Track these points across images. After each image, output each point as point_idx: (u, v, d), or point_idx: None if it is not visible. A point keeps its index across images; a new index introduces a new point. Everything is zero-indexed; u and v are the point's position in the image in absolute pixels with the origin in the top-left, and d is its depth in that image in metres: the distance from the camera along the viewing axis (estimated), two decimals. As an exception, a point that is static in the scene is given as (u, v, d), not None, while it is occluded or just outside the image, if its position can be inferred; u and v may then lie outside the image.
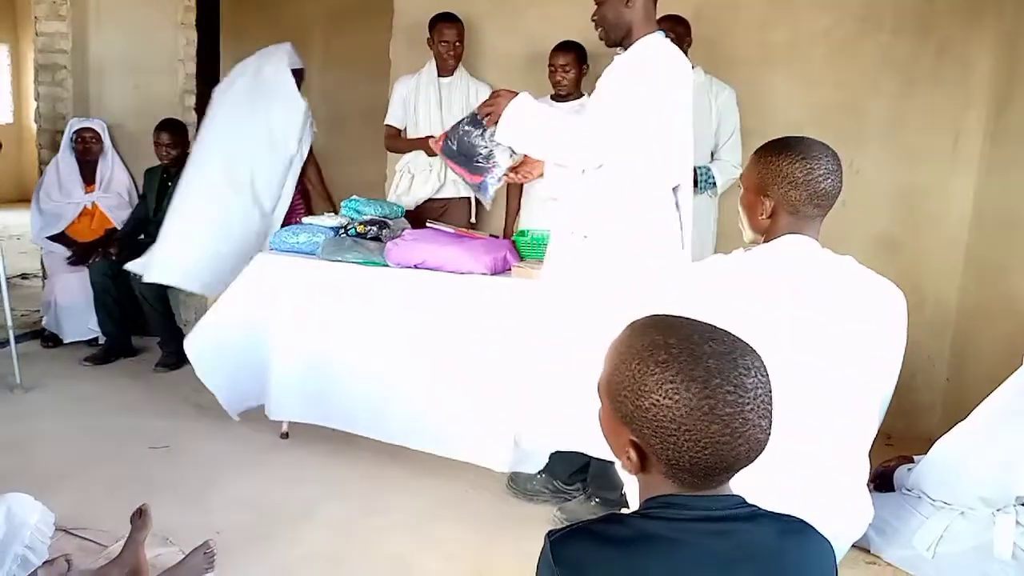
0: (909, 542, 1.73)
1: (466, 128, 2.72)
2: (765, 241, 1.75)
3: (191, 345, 3.37)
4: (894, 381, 1.71)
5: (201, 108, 4.95)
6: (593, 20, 2.56)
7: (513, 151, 2.70)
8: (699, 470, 0.94)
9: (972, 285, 3.59)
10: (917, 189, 3.74)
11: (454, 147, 2.74)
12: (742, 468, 0.95)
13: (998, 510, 1.63)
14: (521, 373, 2.84)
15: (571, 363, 2.44)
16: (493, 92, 2.67)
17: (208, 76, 5.52)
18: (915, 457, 1.86)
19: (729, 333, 0.97)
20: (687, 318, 1.00)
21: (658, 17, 2.64)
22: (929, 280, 3.72)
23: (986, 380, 3.09)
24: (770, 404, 0.94)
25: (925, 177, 3.72)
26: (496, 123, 2.55)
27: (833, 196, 1.69)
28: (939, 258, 3.72)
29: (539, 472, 2.96)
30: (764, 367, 0.95)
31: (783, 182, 1.67)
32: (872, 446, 1.72)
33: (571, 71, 3.62)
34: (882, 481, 1.92)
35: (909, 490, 1.82)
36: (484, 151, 2.70)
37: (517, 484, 3.00)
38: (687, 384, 0.91)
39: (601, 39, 2.59)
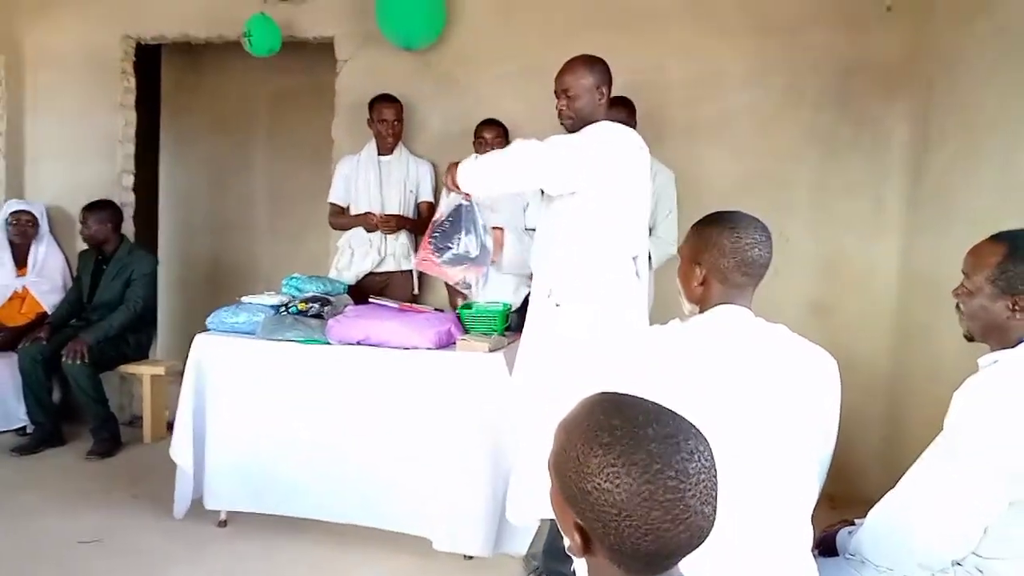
0: (856, 608, 1.73)
1: (444, 231, 2.77)
2: (701, 311, 1.79)
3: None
4: (832, 445, 1.74)
5: (139, 189, 4.92)
6: (560, 111, 2.70)
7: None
8: (641, 556, 0.92)
9: (901, 347, 3.71)
10: (843, 255, 3.89)
11: (451, 253, 2.77)
12: (686, 554, 0.94)
13: (938, 573, 1.65)
14: (471, 447, 2.83)
15: (547, 431, 2.44)
16: (447, 168, 2.78)
17: (147, 156, 5.51)
18: (856, 520, 1.88)
19: (675, 415, 0.97)
20: (635, 397, 0.99)
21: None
22: (860, 343, 3.84)
23: (920, 439, 3.15)
24: (714, 489, 0.93)
25: (851, 242, 3.87)
26: (458, 188, 2.71)
27: (761, 265, 1.74)
28: (868, 321, 3.84)
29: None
30: (709, 451, 0.95)
31: (713, 250, 1.73)
32: (816, 510, 1.74)
33: (498, 142, 3.76)
34: (826, 546, 1.92)
35: (852, 555, 1.83)
36: (475, 239, 2.77)
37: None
38: (628, 468, 0.90)
39: (564, 126, 2.72)
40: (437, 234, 2.80)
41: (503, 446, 2.86)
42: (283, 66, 4.99)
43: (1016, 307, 1.60)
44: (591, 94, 2.66)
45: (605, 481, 0.91)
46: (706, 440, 0.96)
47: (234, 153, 6.35)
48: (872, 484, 3.69)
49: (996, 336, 1.66)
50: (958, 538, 1.58)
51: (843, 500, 3.44)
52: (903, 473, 1.93)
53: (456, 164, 2.72)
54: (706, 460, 0.93)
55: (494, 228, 2.87)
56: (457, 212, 2.79)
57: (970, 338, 1.74)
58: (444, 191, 2.85)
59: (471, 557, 2.93)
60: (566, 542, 1.03)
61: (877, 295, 3.83)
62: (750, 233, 1.74)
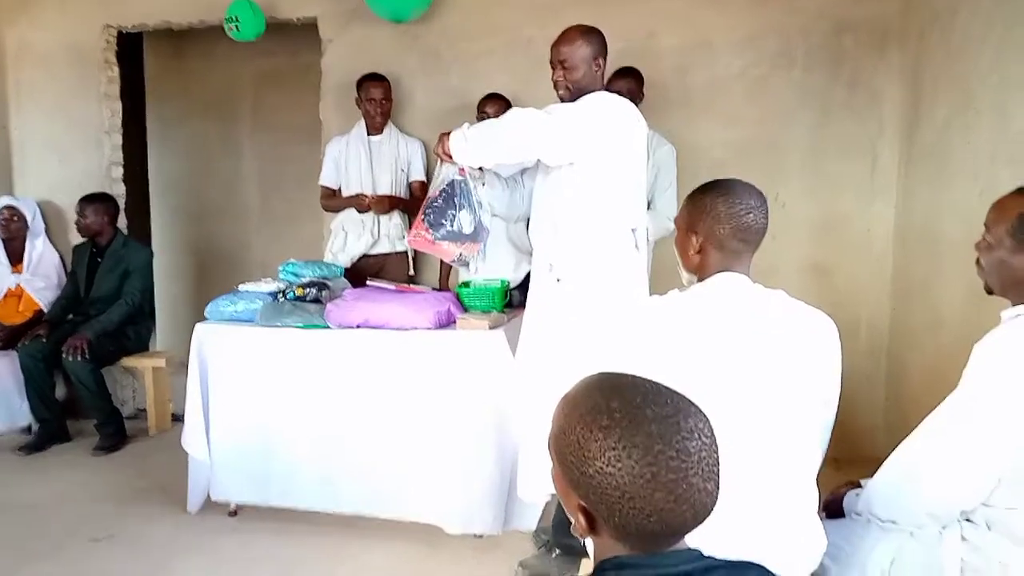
0: (864, 567, 1.74)
1: (439, 208, 2.74)
2: (699, 280, 1.78)
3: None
4: (834, 408, 1.74)
5: (128, 179, 4.88)
6: (557, 82, 2.66)
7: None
8: (647, 535, 0.93)
9: (901, 305, 3.71)
10: (840, 216, 3.87)
11: (445, 229, 2.74)
12: (690, 531, 0.94)
13: (944, 527, 1.66)
14: (476, 426, 2.84)
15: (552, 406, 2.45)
16: (438, 138, 2.73)
17: (135, 146, 5.46)
18: (862, 481, 1.88)
19: (674, 393, 0.97)
20: (633, 377, 0.99)
21: (614, 71, 2.74)
22: (860, 304, 3.84)
23: (922, 397, 3.19)
24: (716, 465, 0.94)
25: (847, 203, 3.86)
26: (450, 159, 2.66)
27: (757, 231, 1.73)
28: (868, 282, 3.84)
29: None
30: (708, 427, 0.95)
31: (708, 218, 1.72)
32: (821, 473, 1.75)
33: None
34: (832, 508, 1.93)
35: (859, 514, 1.84)
36: (470, 215, 2.74)
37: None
38: (629, 451, 0.90)
39: (560, 97, 2.68)
40: (431, 210, 2.77)
41: (508, 423, 2.87)
42: (267, 48, 4.94)
43: None
44: (588, 65, 2.63)
45: (607, 464, 0.91)
46: (705, 416, 0.95)
47: (221, 138, 6.31)
48: (877, 445, 3.73)
49: (1016, 290, 1.65)
50: (970, 486, 1.58)
51: (848, 462, 3.45)
52: (907, 432, 1.94)
53: (447, 133, 2.67)
54: (706, 437, 0.93)
55: (478, 169, 2.79)
56: (451, 188, 2.77)
57: (990, 291, 1.73)
58: (437, 164, 2.81)
59: (481, 536, 2.95)
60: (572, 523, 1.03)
61: (875, 255, 3.83)
62: (744, 199, 1.73)
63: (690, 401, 0.97)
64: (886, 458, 1.77)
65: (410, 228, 2.84)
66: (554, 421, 1.00)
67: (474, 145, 2.62)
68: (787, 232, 3.78)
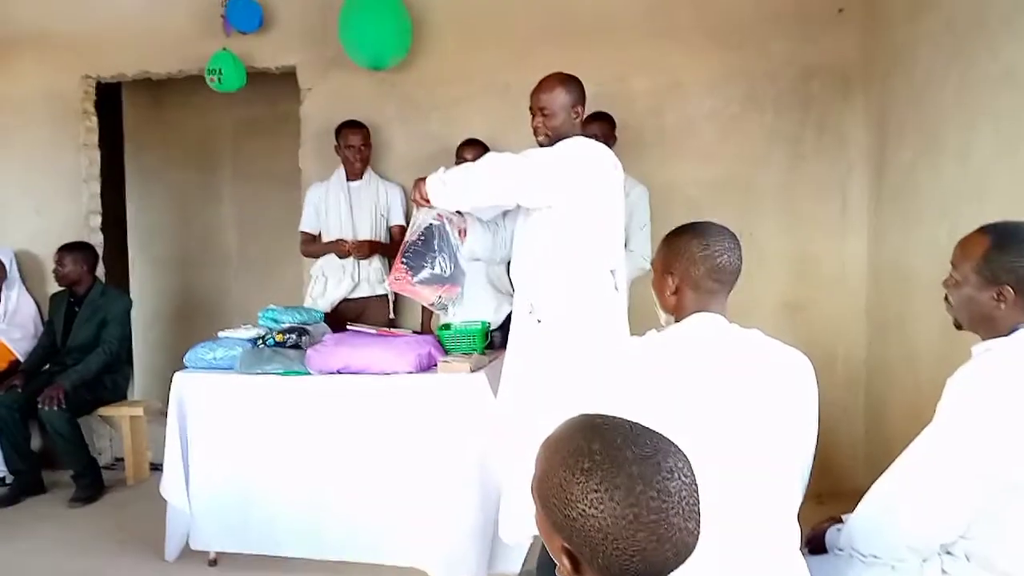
0: (847, 603, 1.75)
1: (417, 251, 2.76)
2: (676, 320, 1.81)
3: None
4: (812, 444, 1.76)
5: (107, 228, 4.88)
6: (536, 128, 2.71)
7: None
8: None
9: (876, 341, 3.76)
10: (814, 254, 3.95)
11: (425, 272, 2.76)
12: (673, 570, 0.95)
13: (925, 561, 1.68)
14: (459, 470, 2.83)
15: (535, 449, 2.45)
16: (414, 184, 2.76)
17: (114, 194, 5.47)
18: (844, 517, 1.90)
19: (654, 434, 0.98)
20: (614, 418, 1.00)
21: (587, 115, 2.81)
22: (837, 339, 3.90)
23: (901, 430, 3.22)
24: (696, 504, 0.95)
25: (820, 242, 3.93)
26: (428, 204, 2.69)
27: (731, 271, 1.77)
28: (843, 318, 3.90)
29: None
30: (688, 466, 0.96)
31: (683, 260, 1.76)
32: (803, 508, 1.77)
33: None
34: (815, 544, 1.94)
35: (841, 550, 1.85)
36: (448, 258, 2.76)
37: None
38: (611, 493, 0.91)
39: (539, 143, 2.73)
40: (410, 253, 2.78)
41: (491, 465, 2.86)
42: (246, 97, 4.98)
43: (1001, 296, 1.63)
44: (567, 112, 2.69)
45: (589, 507, 0.92)
46: (684, 456, 0.97)
47: (201, 186, 6.33)
48: (857, 478, 3.75)
49: (985, 325, 1.69)
50: (948, 519, 1.60)
51: (830, 496, 3.46)
52: (887, 465, 1.96)
53: (423, 179, 2.70)
54: (686, 476, 0.95)
55: (456, 213, 2.82)
56: (429, 231, 2.79)
57: (959, 327, 1.77)
58: (415, 209, 2.84)
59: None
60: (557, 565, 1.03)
61: (849, 291, 3.90)
62: (719, 241, 1.77)
63: (670, 441, 0.98)
64: (866, 490, 1.79)
65: (390, 272, 2.86)
66: (536, 465, 1.01)
67: (452, 189, 2.65)
68: (762, 270, 3.84)
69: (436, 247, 2.78)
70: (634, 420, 1.02)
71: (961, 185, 2.80)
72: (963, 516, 1.59)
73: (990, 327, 1.68)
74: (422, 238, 2.79)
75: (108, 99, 5.25)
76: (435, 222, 2.79)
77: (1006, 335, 1.65)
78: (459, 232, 2.83)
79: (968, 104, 2.76)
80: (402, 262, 2.76)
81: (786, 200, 3.96)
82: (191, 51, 4.36)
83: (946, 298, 1.76)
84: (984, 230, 1.70)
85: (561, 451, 0.97)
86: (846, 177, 3.89)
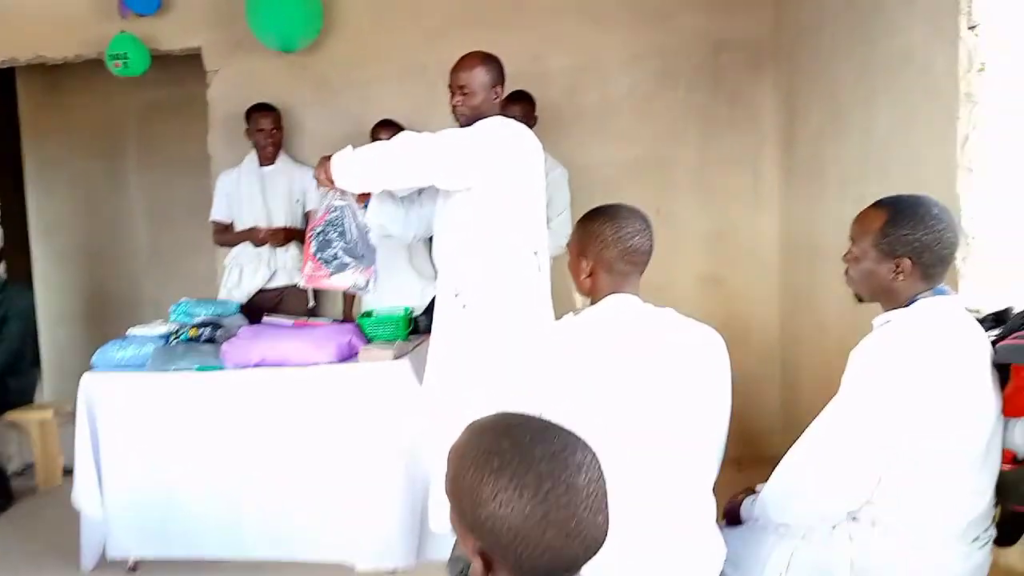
0: (763, 572, 1.81)
1: (327, 239, 2.68)
2: (592, 303, 1.83)
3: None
4: (727, 419, 1.81)
5: (6, 220, 4.63)
6: (455, 106, 2.67)
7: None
8: (541, 573, 0.94)
9: (788, 311, 3.89)
10: (729, 228, 4.04)
11: (337, 261, 2.68)
12: (583, 565, 0.96)
13: (833, 528, 1.74)
14: (385, 460, 2.81)
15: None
16: (318, 162, 2.67)
17: (12, 186, 5.19)
18: (757, 488, 1.96)
19: (561, 430, 0.99)
20: (521, 416, 1.01)
21: (506, 95, 2.78)
22: (752, 310, 4.01)
23: (814, 397, 3.33)
24: (605, 498, 0.96)
25: (734, 216, 4.02)
26: (331, 185, 2.60)
27: (643, 252, 1.80)
28: (757, 289, 4.01)
29: None
30: (595, 460, 0.97)
31: (596, 242, 1.78)
32: (722, 475, 1.82)
33: None
34: (731, 516, 2.00)
35: (756, 520, 1.91)
36: (359, 241, 2.68)
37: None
38: (520, 491, 0.92)
39: (458, 123, 2.69)
40: (319, 243, 2.70)
41: (418, 454, 2.85)
42: (149, 79, 4.76)
43: (899, 269, 1.69)
44: (486, 91, 2.66)
45: (499, 507, 0.92)
46: (591, 449, 0.98)
47: (105, 173, 6.04)
48: (775, 444, 3.87)
49: (885, 297, 1.75)
50: (852, 486, 1.67)
51: (748, 462, 3.57)
52: (802, 431, 2.03)
53: (328, 157, 2.60)
54: (593, 471, 0.96)
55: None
56: (335, 215, 2.70)
57: (860, 299, 1.83)
58: (319, 190, 2.74)
59: (395, 571, 2.90)
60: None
61: (763, 263, 4.00)
62: (630, 223, 1.79)
63: (577, 436, 0.99)
64: (783, 457, 1.85)
65: (302, 266, 2.77)
66: (448, 466, 1.01)
67: (361, 169, 2.57)
68: (680, 245, 3.92)
69: (344, 230, 2.69)
70: (543, 416, 1.03)
71: (863, 160, 2.90)
72: (866, 484, 1.65)
73: (890, 299, 1.74)
74: (329, 224, 2.70)
75: (1, 86, 4.97)
76: (339, 202, 2.70)
77: (905, 306, 1.71)
78: (357, 200, 2.75)
79: (869, 81, 2.84)
80: (313, 254, 2.68)
81: (701, 176, 4.03)
82: (88, 34, 4.15)
83: (846, 272, 1.82)
84: (880, 204, 1.75)
85: (471, 452, 0.97)
86: (758, 151, 3.98)
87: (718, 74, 3.98)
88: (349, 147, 2.61)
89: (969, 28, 2.11)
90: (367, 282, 2.79)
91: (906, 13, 2.53)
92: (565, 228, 3.57)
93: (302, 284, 2.80)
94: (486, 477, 0.94)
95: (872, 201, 1.79)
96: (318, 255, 2.70)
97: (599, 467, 0.97)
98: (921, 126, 2.44)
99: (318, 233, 2.71)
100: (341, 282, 2.76)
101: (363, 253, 2.73)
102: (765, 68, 3.95)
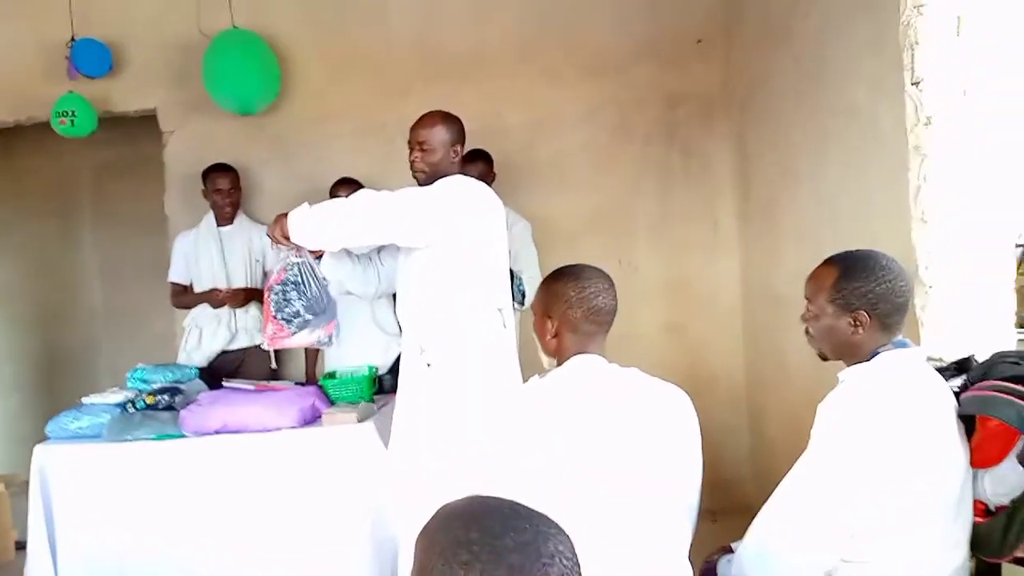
0: (741, 636, 1.78)
1: (286, 298, 2.63)
2: (558, 364, 1.82)
3: None
4: (699, 479, 1.80)
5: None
6: (414, 162, 2.66)
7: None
8: None
9: (754, 358, 3.92)
10: (690, 277, 4.09)
11: (299, 320, 2.63)
12: None
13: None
14: (351, 526, 2.76)
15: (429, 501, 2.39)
16: (274, 220, 2.62)
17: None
18: (733, 545, 1.94)
19: (533, 515, 0.96)
20: (490, 501, 0.98)
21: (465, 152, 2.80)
22: (717, 358, 4.03)
23: (783, 443, 3.35)
24: None
25: (695, 265, 4.08)
26: (287, 242, 2.55)
27: (607, 312, 1.80)
28: (721, 337, 4.05)
29: None
30: (569, 546, 0.95)
31: (561, 303, 1.78)
32: (696, 529, 1.80)
33: None
34: (708, 578, 1.97)
35: (733, 580, 1.89)
36: (319, 295, 2.64)
37: None
38: None
39: (417, 179, 2.68)
40: (278, 303, 2.65)
41: (384, 519, 2.78)
42: (103, 139, 4.71)
43: (857, 323, 1.71)
44: (446, 149, 2.66)
45: None
46: (566, 536, 0.95)
47: (59, 235, 5.93)
48: (747, 493, 3.88)
49: (848, 353, 1.76)
50: (825, 544, 1.66)
51: (723, 513, 3.56)
52: (773, 479, 2.03)
53: (284, 215, 2.56)
54: (567, 559, 0.93)
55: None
56: (293, 272, 2.66)
57: (824, 358, 1.84)
58: (273, 248, 2.70)
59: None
60: None
61: (726, 312, 4.05)
62: (594, 283, 1.80)
63: (551, 521, 0.96)
64: (756, 506, 1.84)
65: (263, 328, 2.72)
66: (415, 556, 0.98)
67: (318, 227, 2.52)
68: (641, 296, 3.94)
69: (303, 287, 2.65)
70: (515, 497, 1.01)
71: (817, 210, 2.96)
72: (839, 540, 1.64)
73: (852, 353, 1.76)
74: (288, 281, 2.66)
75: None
76: (296, 259, 2.66)
77: (867, 360, 1.73)
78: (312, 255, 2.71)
79: (818, 134, 2.92)
80: (274, 316, 2.63)
81: (660, 226, 4.08)
82: (38, 97, 4.08)
83: (807, 331, 1.83)
84: (831, 261, 1.78)
85: (439, 543, 0.94)
86: (715, 202, 4.06)
87: (673, 127, 4.06)
88: (306, 204, 2.57)
89: (913, 84, 2.18)
90: (330, 337, 2.75)
91: (851, 70, 2.61)
92: (539, 278, 3.57)
93: (265, 346, 2.74)
94: (455, 570, 0.90)
95: (827, 252, 1.82)
96: (278, 315, 2.65)
97: (573, 553, 0.94)
98: (872, 178, 2.51)
99: (276, 292, 2.67)
100: (304, 340, 2.71)
101: (324, 308, 2.69)
102: (718, 120, 4.04)
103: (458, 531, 0.93)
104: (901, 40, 2.21)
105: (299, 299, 2.64)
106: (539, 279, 3.51)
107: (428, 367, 2.63)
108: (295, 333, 2.67)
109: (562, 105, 4.08)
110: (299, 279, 2.64)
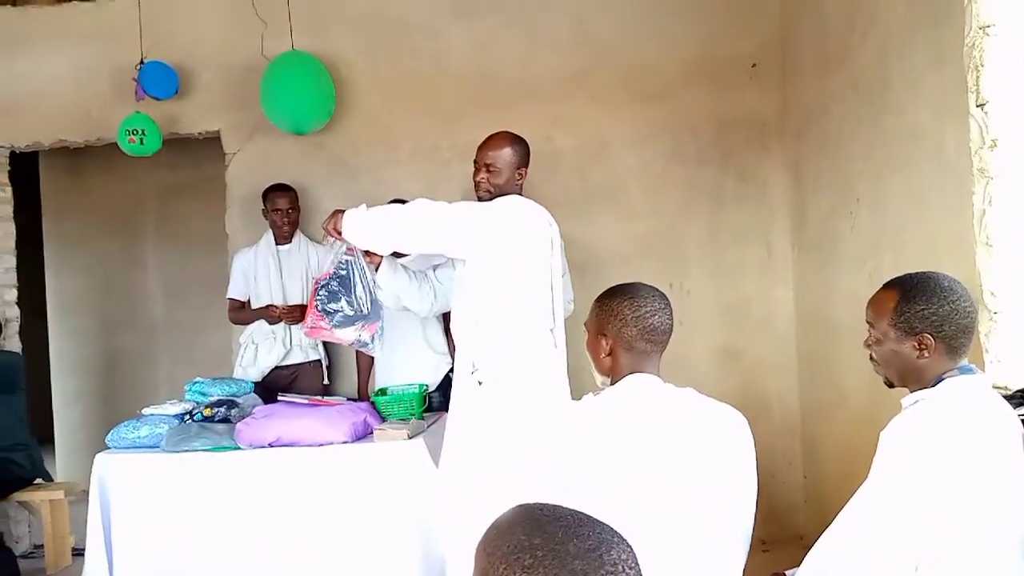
0: (795, 661, 1.74)
1: (332, 291, 2.68)
2: (612, 383, 1.81)
3: None
4: (753, 503, 1.76)
5: (24, 302, 4.67)
6: (479, 183, 2.71)
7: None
8: None
9: (808, 384, 3.84)
10: (743, 300, 4.04)
11: (340, 315, 2.67)
12: None
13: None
14: (400, 542, 2.77)
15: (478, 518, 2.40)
16: (330, 214, 2.68)
17: (31, 266, 5.26)
18: (787, 573, 1.90)
19: (596, 524, 0.95)
20: (555, 508, 0.98)
21: None
22: (771, 384, 3.97)
23: (839, 473, 3.28)
24: None
25: (748, 289, 4.03)
26: (339, 236, 2.60)
27: (663, 331, 1.79)
28: (776, 362, 3.98)
29: None
30: (632, 557, 0.94)
31: (616, 321, 1.77)
32: (748, 560, 1.76)
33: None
34: (761, 605, 1.93)
35: (788, 608, 1.84)
36: (365, 295, 2.68)
37: None
38: None
39: (481, 199, 2.72)
40: (323, 295, 2.69)
41: (434, 535, 2.79)
42: (168, 161, 4.90)
43: (923, 345, 1.67)
44: (512, 171, 2.70)
45: None
46: (629, 547, 0.95)
47: (123, 252, 6.14)
48: (799, 523, 3.80)
49: (913, 378, 1.72)
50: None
51: (774, 542, 3.49)
52: (827, 509, 1.98)
53: (342, 211, 2.61)
54: (630, 569, 0.92)
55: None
56: (343, 269, 2.70)
57: (891, 384, 1.80)
58: (324, 241, 2.75)
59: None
60: None
61: (780, 336, 3.98)
62: (649, 302, 1.78)
63: (613, 531, 0.96)
64: (809, 536, 1.80)
65: (304, 318, 2.77)
66: (475, 562, 0.97)
67: (373, 227, 2.57)
68: (694, 319, 3.91)
69: (350, 284, 2.69)
70: (576, 509, 1.00)
71: (876, 236, 2.90)
72: (903, 573, 1.60)
73: (917, 379, 1.72)
74: (336, 277, 2.71)
75: (25, 168, 5.09)
76: (347, 257, 2.71)
77: (932, 386, 1.69)
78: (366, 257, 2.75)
79: (879, 159, 2.87)
80: (316, 306, 2.68)
81: (713, 249, 4.05)
82: (108, 118, 4.24)
83: (871, 358, 1.80)
84: (890, 285, 1.75)
85: (501, 548, 0.93)
86: (769, 226, 4.01)
87: (726, 151, 4.04)
88: (363, 205, 2.64)
89: (978, 106, 2.14)
90: (372, 338, 2.78)
91: (913, 93, 2.57)
92: (568, 292, 3.57)
93: (303, 333, 2.79)
94: (518, 574, 0.90)
95: (886, 278, 1.79)
96: (320, 307, 2.70)
97: (635, 564, 0.93)
98: (934, 202, 2.46)
99: (323, 285, 2.72)
100: (343, 336, 2.75)
101: (369, 310, 2.72)
102: (772, 144, 4.01)
103: (521, 536, 0.93)
104: (965, 61, 2.17)
105: (343, 295, 2.68)
106: (571, 290, 3.52)
107: (480, 385, 2.64)
108: (334, 328, 2.71)
109: (614, 129, 4.09)
110: (347, 276, 2.69)
